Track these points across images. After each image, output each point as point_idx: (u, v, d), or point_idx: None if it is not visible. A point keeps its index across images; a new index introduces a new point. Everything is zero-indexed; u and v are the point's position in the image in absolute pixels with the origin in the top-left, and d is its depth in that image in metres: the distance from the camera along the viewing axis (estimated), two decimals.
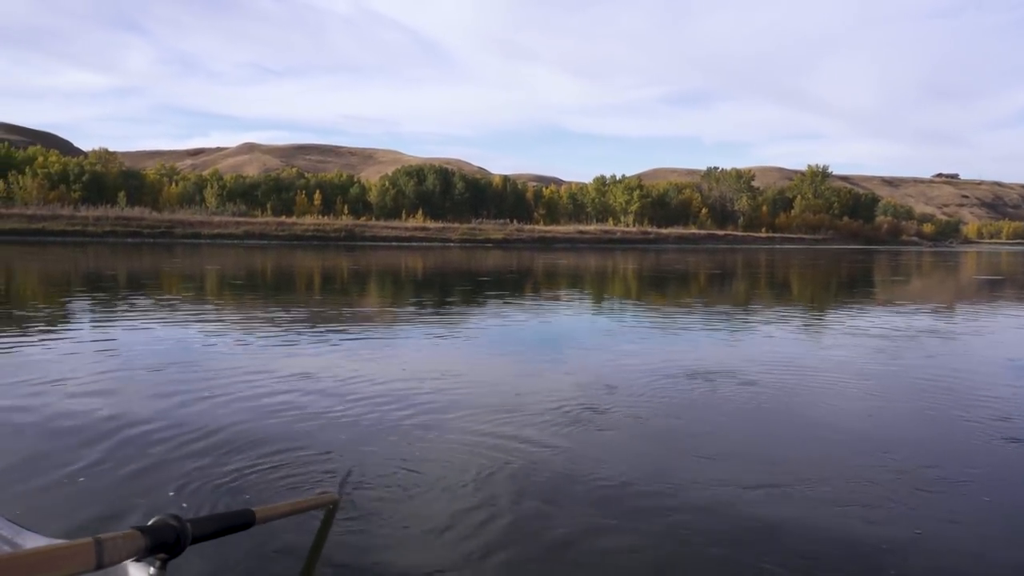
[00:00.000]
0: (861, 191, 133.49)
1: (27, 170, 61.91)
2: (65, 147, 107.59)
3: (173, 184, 74.66)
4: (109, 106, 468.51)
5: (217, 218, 57.47)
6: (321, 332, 8.98)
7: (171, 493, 3.52)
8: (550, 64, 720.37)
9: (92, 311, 10.93)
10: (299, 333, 8.87)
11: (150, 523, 1.45)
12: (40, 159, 65.34)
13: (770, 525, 3.30)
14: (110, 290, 14.38)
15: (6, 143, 69.68)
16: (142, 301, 12.31)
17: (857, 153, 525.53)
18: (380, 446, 4.34)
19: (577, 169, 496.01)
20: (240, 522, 2.27)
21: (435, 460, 4.10)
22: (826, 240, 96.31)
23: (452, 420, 4.95)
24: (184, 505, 3.37)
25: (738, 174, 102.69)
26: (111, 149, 76.90)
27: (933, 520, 3.41)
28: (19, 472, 3.78)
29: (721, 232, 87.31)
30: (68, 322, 9.69)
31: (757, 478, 3.89)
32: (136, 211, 55.73)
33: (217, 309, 11.56)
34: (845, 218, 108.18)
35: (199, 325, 9.38)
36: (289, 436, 4.45)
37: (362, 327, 9.63)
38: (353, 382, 6.04)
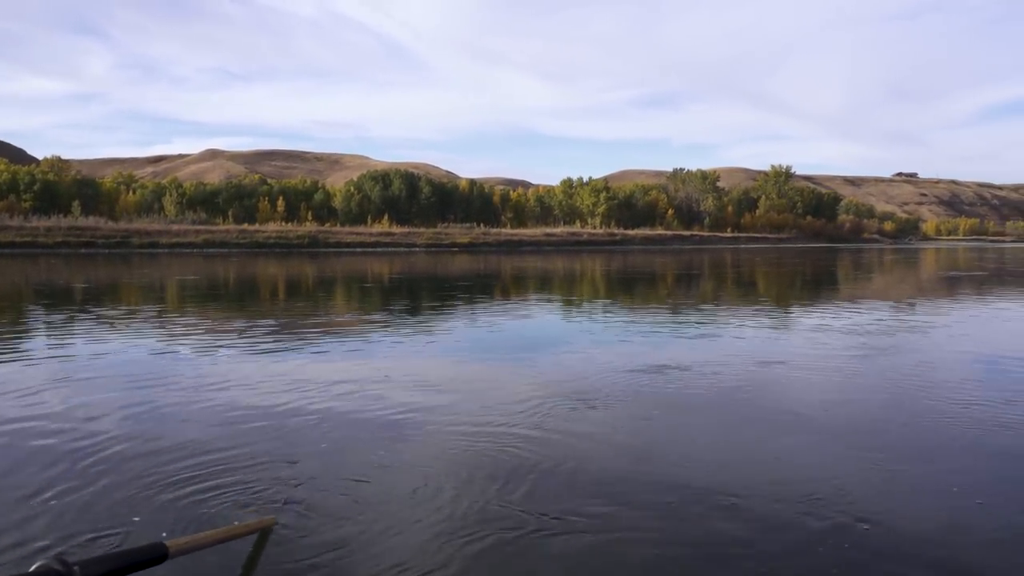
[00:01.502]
0: (824, 190, 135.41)
1: None
2: (18, 155, 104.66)
3: (131, 192, 72.95)
4: (68, 113, 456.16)
5: (176, 227, 56.09)
6: (280, 342, 8.57)
7: (98, 520, 3.19)
8: (520, 67, 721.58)
9: (38, 325, 10.34)
10: (256, 344, 8.42)
11: (31, 570, 1.43)
12: None
13: (742, 525, 3.23)
14: (58, 303, 13.60)
15: None
16: (92, 314, 11.69)
17: (820, 153, 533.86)
18: (339, 458, 4.14)
19: (547, 171, 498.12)
20: (146, 557, 1.87)
21: (401, 469, 3.93)
22: (790, 239, 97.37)
23: (425, 426, 4.80)
24: (141, 520, 3.06)
25: (703, 175, 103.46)
26: (70, 157, 75.27)
27: (903, 509, 3.38)
28: None
29: (687, 232, 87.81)
30: (13, 336, 9.04)
31: (732, 476, 3.82)
32: (91, 221, 54.11)
33: (172, 321, 10.96)
34: (808, 217, 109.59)
35: (152, 338, 8.91)
36: (243, 450, 4.21)
37: (323, 337, 9.15)
38: (317, 392, 5.79)
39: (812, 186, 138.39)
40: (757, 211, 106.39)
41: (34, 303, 13.84)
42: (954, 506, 3.43)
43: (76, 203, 60.80)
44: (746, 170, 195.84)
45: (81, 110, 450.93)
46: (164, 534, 2.99)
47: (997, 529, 3.18)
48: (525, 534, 3.08)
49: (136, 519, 3.18)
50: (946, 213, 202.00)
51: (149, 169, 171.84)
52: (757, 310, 13.40)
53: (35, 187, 62.45)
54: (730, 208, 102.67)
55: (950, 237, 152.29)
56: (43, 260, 33.47)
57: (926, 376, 6.56)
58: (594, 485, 3.66)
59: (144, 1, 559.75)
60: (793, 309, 13.74)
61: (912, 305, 14.31)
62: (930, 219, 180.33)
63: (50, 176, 66.16)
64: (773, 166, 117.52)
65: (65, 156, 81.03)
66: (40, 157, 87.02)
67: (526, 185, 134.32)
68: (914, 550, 2.96)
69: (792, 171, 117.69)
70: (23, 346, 8.20)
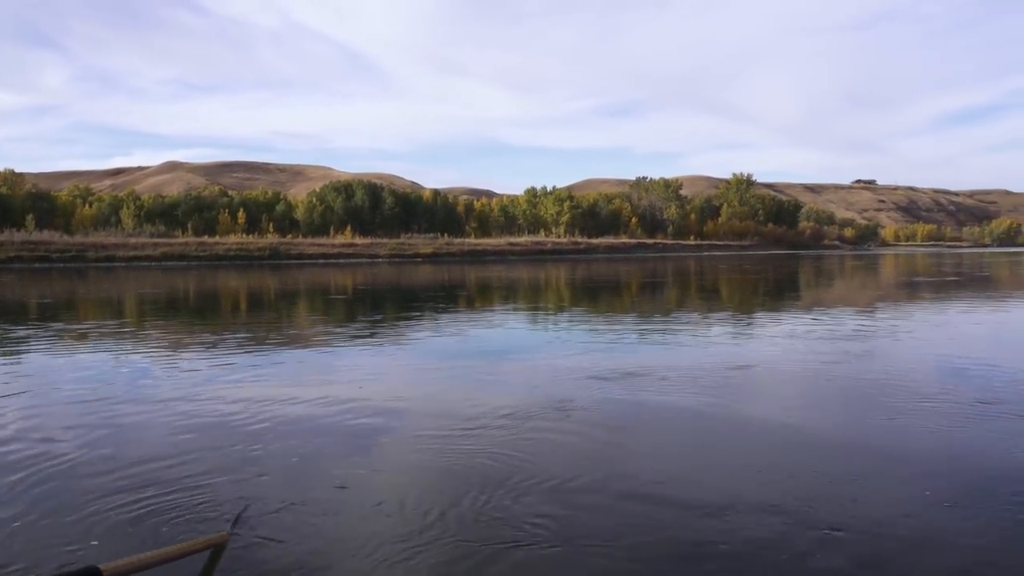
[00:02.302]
0: (785, 198, 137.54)
1: None
2: None
3: (87, 206, 71.58)
4: (24, 126, 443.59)
5: (133, 240, 55.09)
6: (243, 355, 8.38)
7: (53, 541, 3.03)
8: (484, 78, 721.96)
9: None
10: (218, 357, 8.22)
11: None
12: None
13: (708, 529, 3.20)
14: (11, 319, 13.35)
15: None
16: (48, 330, 11.35)
17: (781, 161, 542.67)
18: (304, 471, 4.03)
19: (511, 181, 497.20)
20: None
21: (367, 482, 3.84)
22: (752, 246, 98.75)
23: (393, 438, 4.72)
24: (99, 543, 2.97)
25: (666, 183, 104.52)
26: (26, 170, 73.78)
27: (876, 514, 3.36)
28: None
29: (651, 241, 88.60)
30: None
31: (703, 483, 3.78)
32: (45, 235, 52.96)
33: (130, 336, 10.60)
34: (770, 224, 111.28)
35: (111, 354, 8.62)
36: (206, 466, 4.08)
37: (286, 349, 8.96)
38: (282, 405, 5.66)
39: (773, 194, 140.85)
40: (719, 219, 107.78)
41: None
42: (926, 510, 3.41)
43: (30, 217, 59.50)
44: (708, 178, 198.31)
45: (37, 123, 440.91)
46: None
47: (968, 532, 3.16)
48: (495, 547, 3.00)
49: (94, 542, 3.02)
50: (904, 219, 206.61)
51: (107, 182, 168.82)
52: (724, 317, 13.44)
53: None
54: (693, 216, 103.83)
55: (908, 243, 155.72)
56: None
57: (896, 380, 6.56)
58: (565, 495, 3.60)
59: (101, 13, 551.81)
60: (760, 315, 13.80)
61: (878, 310, 14.44)
62: (889, 225, 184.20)
63: (3, 189, 64.71)
64: (735, 174, 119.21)
65: (21, 169, 79.53)
66: None
67: (490, 195, 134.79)
68: (886, 555, 2.94)
69: (753, 179, 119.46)
70: None
